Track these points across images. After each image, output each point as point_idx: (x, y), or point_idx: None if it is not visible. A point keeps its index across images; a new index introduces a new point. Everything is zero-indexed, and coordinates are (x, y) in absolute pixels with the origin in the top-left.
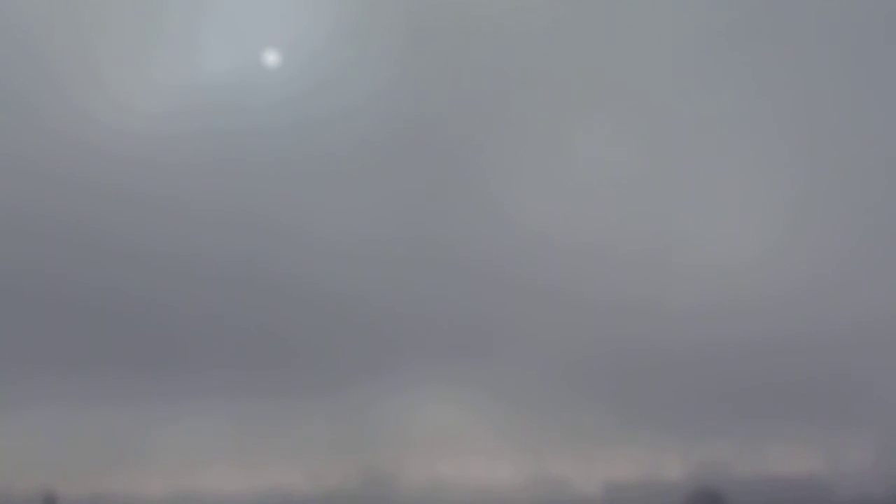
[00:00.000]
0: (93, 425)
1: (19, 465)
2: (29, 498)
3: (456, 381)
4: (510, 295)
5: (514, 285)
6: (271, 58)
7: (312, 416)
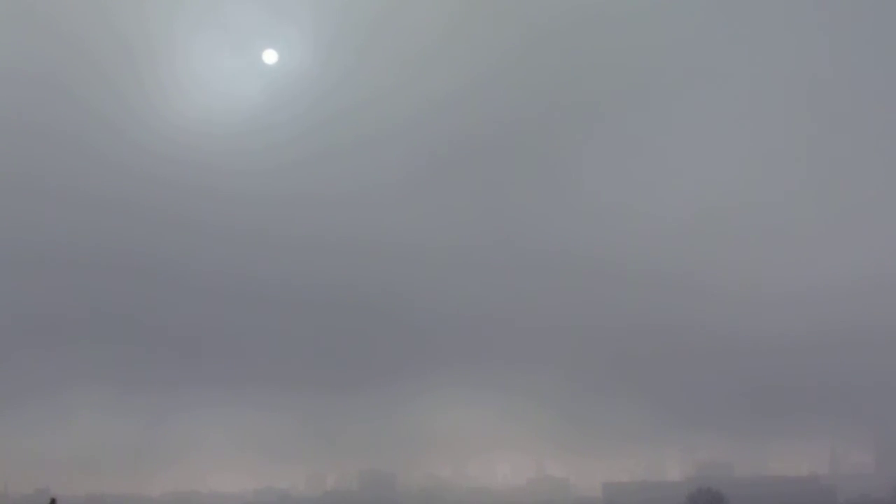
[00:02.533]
0: (95, 426)
1: (19, 465)
2: (30, 498)
3: (462, 385)
4: (527, 300)
5: (531, 290)
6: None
7: (322, 416)
